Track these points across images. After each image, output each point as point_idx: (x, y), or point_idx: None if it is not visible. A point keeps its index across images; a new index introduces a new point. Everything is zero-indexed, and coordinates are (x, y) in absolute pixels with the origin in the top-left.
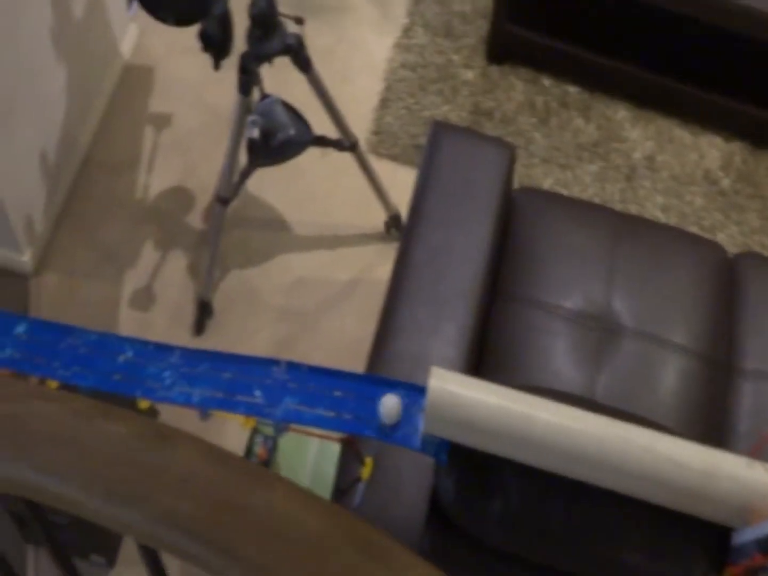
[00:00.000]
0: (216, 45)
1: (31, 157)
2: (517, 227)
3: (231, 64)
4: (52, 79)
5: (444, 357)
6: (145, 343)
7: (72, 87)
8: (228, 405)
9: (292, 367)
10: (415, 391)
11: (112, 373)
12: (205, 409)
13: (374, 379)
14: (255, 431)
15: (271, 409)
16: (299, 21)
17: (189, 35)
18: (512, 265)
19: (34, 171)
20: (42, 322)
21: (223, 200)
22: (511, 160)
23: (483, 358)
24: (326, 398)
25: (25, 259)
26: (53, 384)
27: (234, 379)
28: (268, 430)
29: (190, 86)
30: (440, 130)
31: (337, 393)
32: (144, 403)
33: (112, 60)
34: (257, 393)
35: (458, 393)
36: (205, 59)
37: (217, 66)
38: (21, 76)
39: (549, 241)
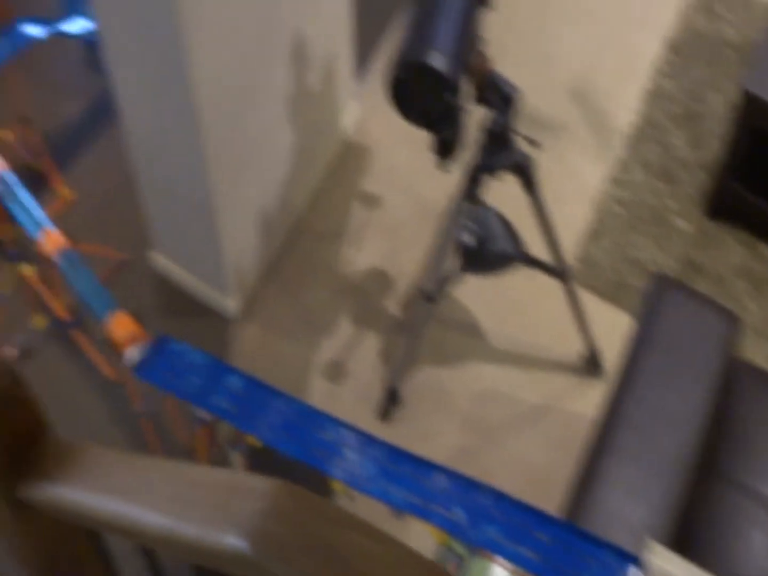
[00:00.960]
0: (449, 150)
1: (252, 211)
2: (733, 403)
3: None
4: (278, 142)
5: (646, 522)
6: (350, 428)
7: (295, 152)
8: (424, 513)
9: (499, 496)
10: (622, 556)
11: (314, 447)
12: (400, 510)
13: (582, 533)
14: (446, 546)
15: (470, 531)
16: (533, 143)
17: (410, 126)
18: (725, 443)
19: (252, 224)
20: (257, 381)
21: (428, 297)
22: (736, 332)
23: (683, 532)
24: (529, 538)
25: (232, 304)
26: (252, 440)
27: (435, 489)
28: (460, 549)
29: (404, 174)
30: (663, 284)
31: (541, 536)
32: (338, 485)
33: (333, 133)
34: (458, 511)
35: None
36: (424, 153)
37: (444, 168)
38: (253, 136)
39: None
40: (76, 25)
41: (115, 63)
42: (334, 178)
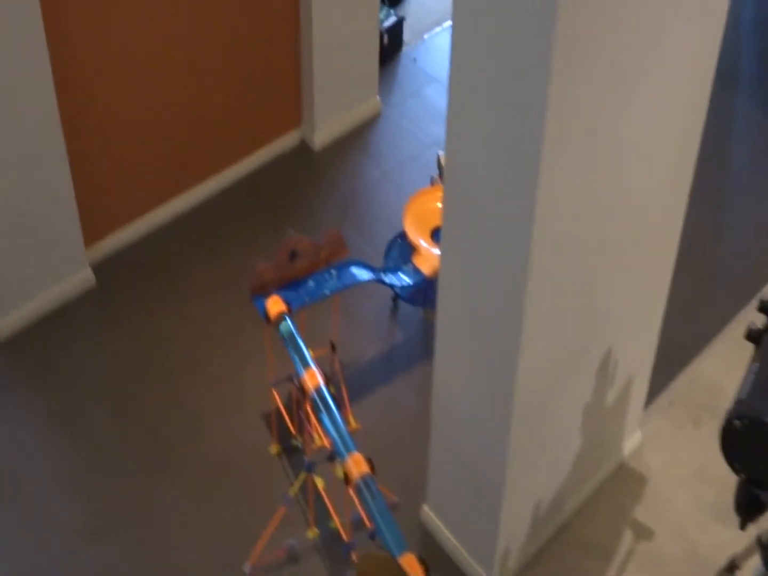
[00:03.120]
0: (756, 511)
1: (532, 501)
2: None
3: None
4: (567, 443)
5: None
6: None
7: (577, 458)
8: None
9: None
10: None
11: None
12: None
13: None
14: None
15: None
16: None
17: (692, 452)
18: None
19: (528, 513)
20: None
21: None
22: None
23: None
24: None
25: None
26: None
27: None
28: None
29: (679, 515)
30: None
31: None
32: None
33: (613, 451)
34: None
35: None
36: (704, 498)
37: (743, 527)
38: (549, 431)
39: None
40: (394, 279)
41: (445, 338)
42: (606, 496)
